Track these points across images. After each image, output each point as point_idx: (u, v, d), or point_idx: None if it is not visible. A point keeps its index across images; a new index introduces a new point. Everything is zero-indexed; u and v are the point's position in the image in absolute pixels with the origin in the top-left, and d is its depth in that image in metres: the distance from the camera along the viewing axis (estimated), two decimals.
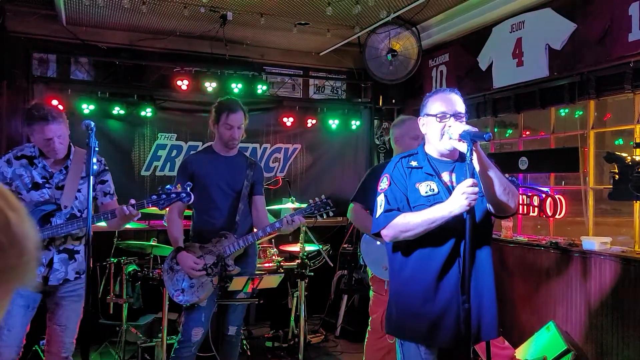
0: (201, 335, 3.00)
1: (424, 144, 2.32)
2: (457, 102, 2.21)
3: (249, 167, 3.18)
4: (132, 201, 2.65)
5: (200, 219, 3.13)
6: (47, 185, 2.73)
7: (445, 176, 2.22)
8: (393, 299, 2.29)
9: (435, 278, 2.13)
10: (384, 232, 2.18)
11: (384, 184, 2.25)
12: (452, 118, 2.16)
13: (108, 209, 2.78)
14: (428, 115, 2.24)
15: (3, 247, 0.49)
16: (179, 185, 2.70)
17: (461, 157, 2.24)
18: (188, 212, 3.35)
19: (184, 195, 2.66)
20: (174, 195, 2.66)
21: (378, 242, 3.32)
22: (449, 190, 2.16)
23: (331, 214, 3.05)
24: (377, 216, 2.22)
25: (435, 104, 2.23)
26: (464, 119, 2.19)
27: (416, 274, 2.18)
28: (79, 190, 2.79)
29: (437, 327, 2.13)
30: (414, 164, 2.24)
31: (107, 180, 2.90)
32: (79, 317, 2.80)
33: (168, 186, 2.69)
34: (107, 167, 2.92)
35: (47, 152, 2.71)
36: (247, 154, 4.01)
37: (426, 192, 2.16)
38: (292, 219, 2.95)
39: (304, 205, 3.09)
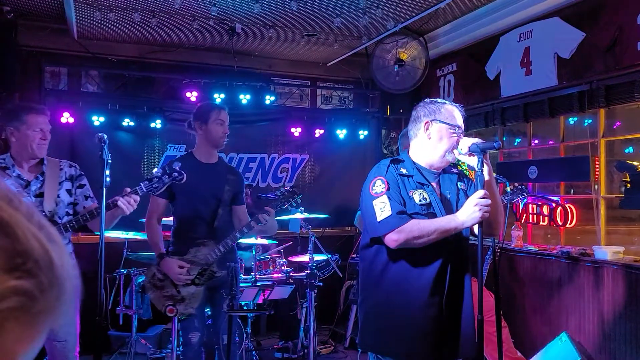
0: (198, 337, 3.01)
1: (409, 151, 2.24)
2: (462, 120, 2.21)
3: (230, 172, 3.17)
4: (127, 189, 2.57)
5: (182, 228, 3.06)
6: (24, 194, 2.68)
7: (434, 186, 2.18)
8: (372, 311, 2.15)
9: (422, 293, 2.05)
10: (392, 236, 2.01)
11: (379, 186, 2.09)
12: (462, 133, 2.15)
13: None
14: (443, 122, 2.13)
15: (43, 288, 0.46)
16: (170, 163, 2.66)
17: (444, 170, 2.22)
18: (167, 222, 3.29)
19: (176, 174, 2.62)
20: (166, 177, 2.61)
21: None
22: (441, 201, 2.14)
23: (299, 201, 3.10)
24: (380, 219, 2.03)
25: (451, 114, 2.16)
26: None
27: (401, 287, 2.07)
28: (57, 196, 2.75)
29: (421, 344, 2.06)
30: (403, 171, 2.15)
31: (85, 184, 2.88)
32: (77, 329, 2.73)
33: (157, 170, 2.66)
34: (82, 172, 2.90)
35: (36, 148, 2.65)
36: (255, 164, 4.02)
37: (420, 201, 2.09)
38: (265, 213, 2.92)
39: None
